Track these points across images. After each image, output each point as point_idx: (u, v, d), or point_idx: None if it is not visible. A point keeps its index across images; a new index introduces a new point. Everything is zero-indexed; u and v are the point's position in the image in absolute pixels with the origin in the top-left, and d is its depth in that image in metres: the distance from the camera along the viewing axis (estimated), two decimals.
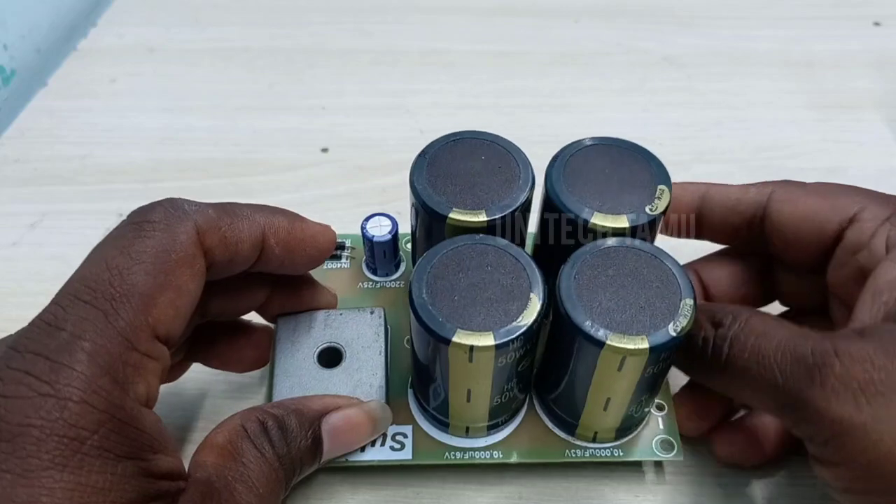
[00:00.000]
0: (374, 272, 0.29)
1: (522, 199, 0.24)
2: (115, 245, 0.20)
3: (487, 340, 0.20)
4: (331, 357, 0.26)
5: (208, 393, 0.29)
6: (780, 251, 0.26)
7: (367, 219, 0.27)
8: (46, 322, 0.19)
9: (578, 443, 0.26)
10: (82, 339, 0.18)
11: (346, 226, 0.37)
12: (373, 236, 0.27)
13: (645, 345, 0.21)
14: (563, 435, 0.26)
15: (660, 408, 0.27)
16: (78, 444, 0.17)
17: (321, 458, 0.23)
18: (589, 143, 0.25)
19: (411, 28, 0.53)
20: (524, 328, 0.21)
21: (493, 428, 0.25)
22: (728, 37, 0.52)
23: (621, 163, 0.25)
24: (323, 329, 0.26)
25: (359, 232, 0.28)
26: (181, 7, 0.55)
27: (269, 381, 0.26)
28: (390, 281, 0.29)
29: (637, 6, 0.55)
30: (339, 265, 0.29)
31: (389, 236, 0.27)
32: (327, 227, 0.25)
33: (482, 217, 0.23)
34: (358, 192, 0.39)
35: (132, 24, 0.53)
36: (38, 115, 0.44)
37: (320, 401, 0.23)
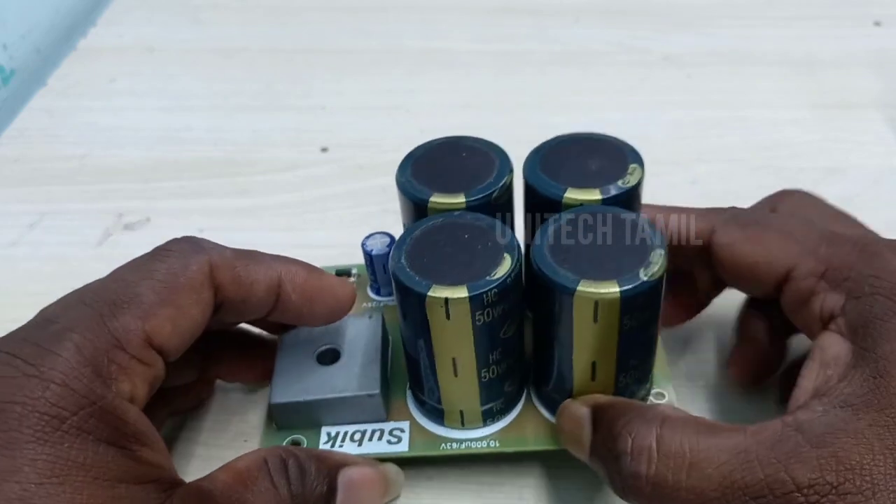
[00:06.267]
0: (378, 292, 0.30)
1: (501, 182, 0.25)
2: (130, 264, 0.22)
3: (461, 293, 0.21)
4: (329, 358, 0.26)
5: (212, 409, 0.29)
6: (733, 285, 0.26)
7: (368, 236, 0.29)
8: (44, 316, 0.21)
9: None
10: (72, 331, 0.19)
11: (345, 226, 0.37)
12: (371, 250, 0.28)
13: (615, 289, 0.21)
14: None
15: (659, 396, 0.26)
16: (58, 423, 0.18)
17: None
18: (564, 137, 0.27)
19: (411, 28, 0.53)
20: (497, 281, 0.22)
21: (488, 418, 0.25)
22: (728, 37, 0.51)
23: (596, 150, 0.26)
24: (323, 332, 0.27)
25: (362, 260, 0.30)
26: (180, 7, 0.55)
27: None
28: (392, 300, 0.30)
29: (637, 6, 0.55)
30: None
31: (387, 250, 0.28)
32: (346, 281, 0.26)
33: (461, 199, 0.25)
34: (358, 192, 0.39)
35: (132, 23, 0.53)
36: (37, 114, 0.44)
37: (341, 455, 0.24)
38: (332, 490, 0.23)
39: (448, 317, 0.22)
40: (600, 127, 0.43)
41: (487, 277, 0.22)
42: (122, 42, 0.51)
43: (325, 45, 0.51)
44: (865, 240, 0.23)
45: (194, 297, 0.22)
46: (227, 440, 0.27)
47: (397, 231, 0.29)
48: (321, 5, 0.55)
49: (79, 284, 0.34)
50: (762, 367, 0.27)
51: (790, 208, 0.28)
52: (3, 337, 0.20)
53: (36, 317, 0.21)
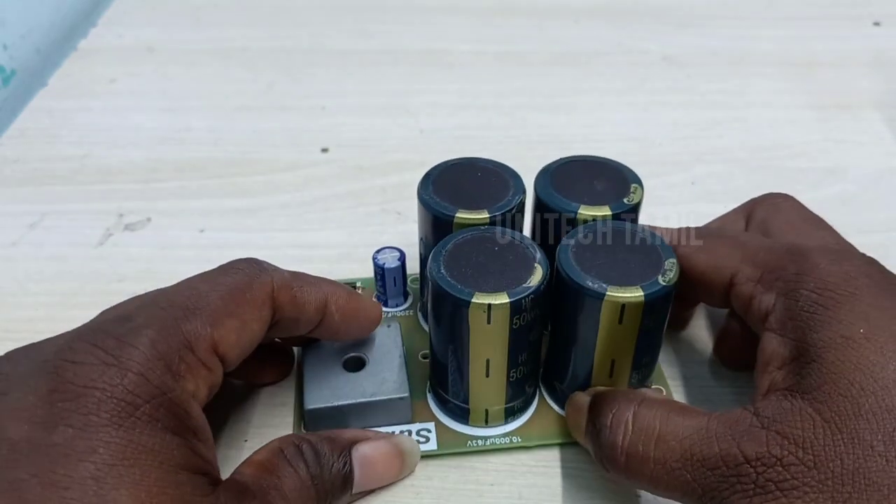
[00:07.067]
0: (385, 304, 0.31)
1: (517, 200, 0.27)
2: (201, 276, 0.24)
3: (503, 299, 0.23)
4: (355, 365, 0.28)
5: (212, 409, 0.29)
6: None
7: (378, 251, 0.30)
8: (118, 314, 0.22)
9: None
10: (148, 328, 0.21)
11: (345, 226, 0.37)
12: (384, 263, 0.30)
13: (640, 293, 0.23)
14: None
15: (658, 392, 0.28)
16: (132, 409, 0.19)
17: (352, 488, 0.25)
18: (567, 159, 0.29)
19: (411, 28, 0.53)
20: (533, 288, 0.23)
21: (509, 415, 0.27)
22: (728, 37, 0.52)
23: (599, 172, 0.28)
24: (345, 343, 0.28)
25: (360, 260, 0.31)
26: (181, 7, 0.55)
27: (297, 390, 0.28)
28: (400, 311, 0.31)
29: (637, 6, 0.55)
30: None
31: (398, 263, 0.30)
32: (376, 303, 0.28)
33: (485, 215, 0.26)
34: (358, 192, 0.39)
35: (132, 24, 0.53)
36: (37, 115, 0.44)
37: (351, 432, 0.26)
38: (347, 468, 0.24)
39: (489, 321, 0.23)
40: (601, 127, 0.44)
41: (524, 285, 0.24)
42: (123, 42, 0.51)
43: (325, 45, 0.51)
44: (801, 246, 0.24)
45: (256, 314, 0.23)
46: (227, 440, 0.28)
47: (400, 235, 0.30)
48: (321, 5, 0.55)
49: (79, 284, 0.34)
50: (739, 356, 0.29)
51: (763, 213, 0.28)
52: (82, 329, 0.21)
53: (109, 313, 0.22)
